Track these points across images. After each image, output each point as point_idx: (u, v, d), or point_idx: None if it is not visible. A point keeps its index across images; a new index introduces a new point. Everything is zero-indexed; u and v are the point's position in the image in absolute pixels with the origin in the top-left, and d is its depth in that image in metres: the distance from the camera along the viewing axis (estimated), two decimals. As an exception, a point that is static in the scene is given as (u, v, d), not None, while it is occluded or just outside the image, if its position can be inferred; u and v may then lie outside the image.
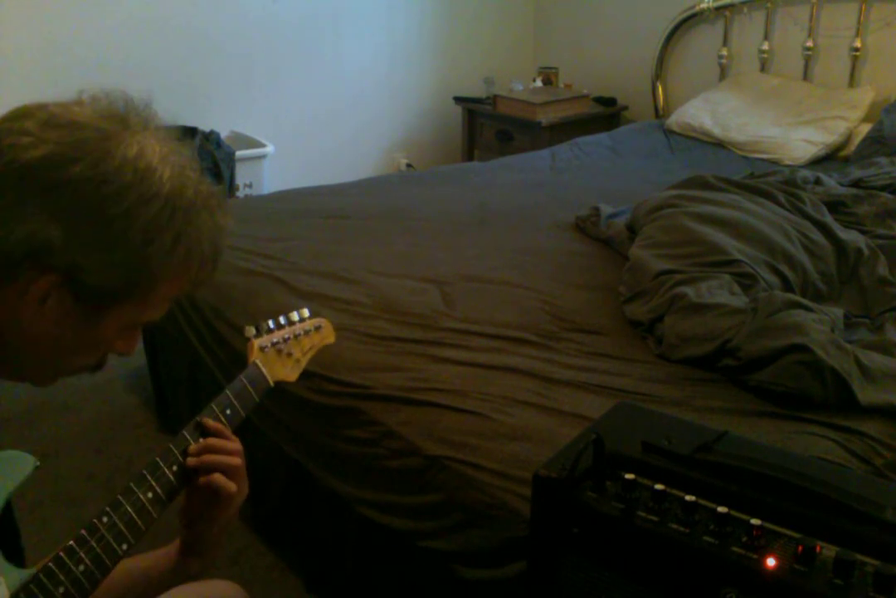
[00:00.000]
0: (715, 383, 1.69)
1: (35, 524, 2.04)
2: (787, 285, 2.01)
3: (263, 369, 1.09)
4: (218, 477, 0.94)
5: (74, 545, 0.82)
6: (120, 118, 0.82)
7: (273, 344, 1.12)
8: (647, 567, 1.02)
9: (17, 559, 0.83)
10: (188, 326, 2.16)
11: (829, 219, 2.27)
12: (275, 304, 1.97)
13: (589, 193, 2.80)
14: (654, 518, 1.01)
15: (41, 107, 0.81)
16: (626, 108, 4.19)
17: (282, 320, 1.16)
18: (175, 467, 0.92)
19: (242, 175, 3.57)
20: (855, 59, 3.40)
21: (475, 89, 4.28)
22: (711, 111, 3.54)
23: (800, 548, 0.93)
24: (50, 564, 0.80)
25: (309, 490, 1.84)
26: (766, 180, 2.48)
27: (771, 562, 0.94)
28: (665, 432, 1.11)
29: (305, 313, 1.21)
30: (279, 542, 2.06)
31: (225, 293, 2.07)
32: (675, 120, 3.61)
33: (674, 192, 2.40)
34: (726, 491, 1.01)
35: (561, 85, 4.23)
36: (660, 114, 4.04)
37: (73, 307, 0.80)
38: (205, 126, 3.51)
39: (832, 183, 2.57)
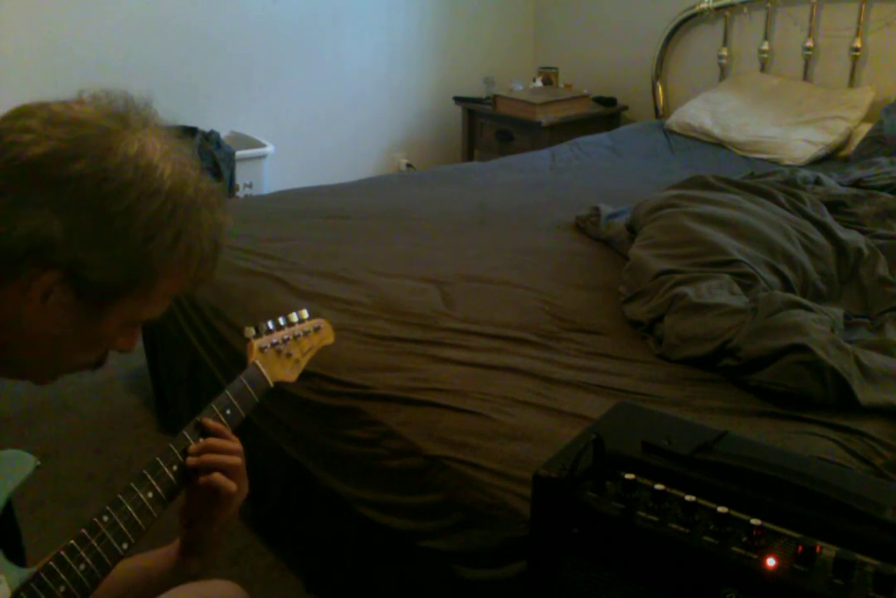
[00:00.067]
0: (715, 383, 1.69)
1: (35, 524, 2.04)
2: (787, 285, 2.01)
3: (263, 370, 1.10)
4: (218, 477, 0.94)
5: (75, 544, 0.82)
6: (120, 116, 0.82)
7: (273, 345, 1.13)
8: (647, 567, 1.02)
9: (17, 558, 0.83)
10: (188, 326, 2.16)
11: (829, 219, 2.27)
12: (275, 304, 1.97)
13: (589, 193, 2.80)
14: (654, 518, 1.01)
15: (42, 105, 0.81)
16: (626, 108, 4.19)
17: (281, 321, 1.17)
18: (175, 467, 0.93)
19: (242, 175, 3.57)
20: (855, 59, 3.40)
21: (475, 89, 4.28)
22: (711, 111, 3.54)
23: (800, 548, 0.93)
24: (51, 563, 0.80)
25: (309, 490, 1.84)
26: (766, 180, 2.48)
27: (771, 562, 0.94)
28: (665, 432, 1.11)
29: (305, 314, 1.22)
30: (279, 542, 2.07)
31: (225, 293, 2.07)
32: (675, 120, 3.61)
33: (674, 192, 2.40)
34: (726, 491, 1.01)
35: (561, 85, 4.23)
36: (660, 114, 4.04)
37: (75, 304, 0.80)
38: (205, 126, 3.51)
39: (832, 183, 2.57)
